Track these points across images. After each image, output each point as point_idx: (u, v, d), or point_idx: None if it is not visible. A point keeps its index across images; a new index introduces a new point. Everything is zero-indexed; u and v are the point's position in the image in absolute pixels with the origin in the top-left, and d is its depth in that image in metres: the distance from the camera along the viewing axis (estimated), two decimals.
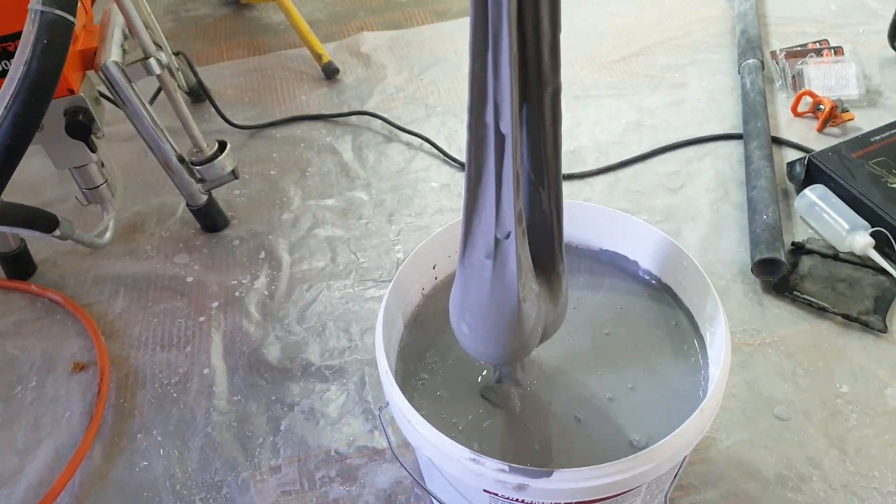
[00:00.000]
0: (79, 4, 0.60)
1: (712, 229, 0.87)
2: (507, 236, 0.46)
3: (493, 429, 0.55)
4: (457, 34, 1.28)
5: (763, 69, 1.07)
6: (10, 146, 0.56)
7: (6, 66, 0.69)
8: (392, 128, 1.07)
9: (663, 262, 0.62)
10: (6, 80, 0.56)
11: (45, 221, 0.75)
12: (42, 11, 0.56)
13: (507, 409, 0.56)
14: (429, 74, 1.19)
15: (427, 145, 1.04)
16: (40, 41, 0.56)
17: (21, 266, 0.89)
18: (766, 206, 0.83)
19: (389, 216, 0.94)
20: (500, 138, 0.43)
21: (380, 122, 1.09)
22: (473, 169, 0.45)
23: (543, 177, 0.48)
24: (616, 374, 0.57)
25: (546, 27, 0.43)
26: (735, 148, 0.98)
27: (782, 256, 0.77)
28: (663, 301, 0.62)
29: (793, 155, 0.96)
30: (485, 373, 0.59)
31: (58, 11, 0.56)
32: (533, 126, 0.46)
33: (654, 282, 0.63)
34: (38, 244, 0.91)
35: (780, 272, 0.77)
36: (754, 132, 0.95)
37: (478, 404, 0.56)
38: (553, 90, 0.45)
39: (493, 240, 0.46)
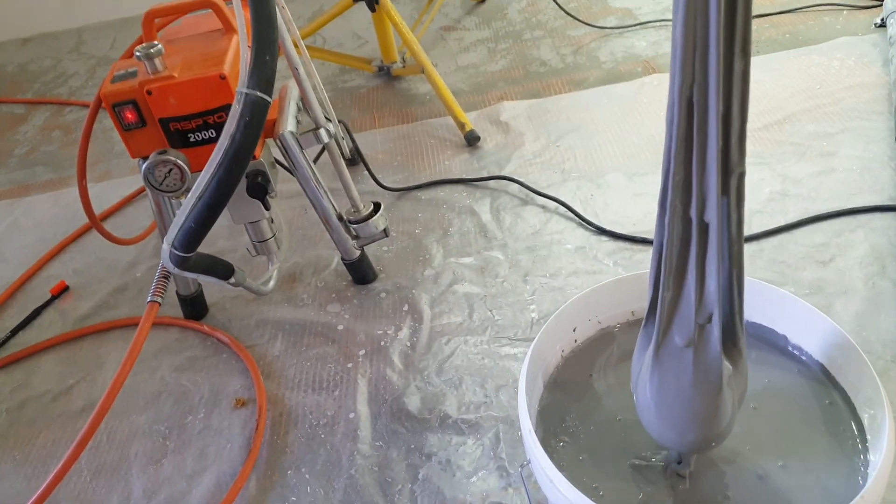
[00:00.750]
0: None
1: (868, 306, 0.83)
2: (710, 320, 0.47)
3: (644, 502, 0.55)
4: (592, 103, 1.32)
5: None
6: (213, 205, 0.66)
7: (207, 135, 0.80)
8: (528, 191, 1.12)
9: (815, 338, 0.61)
10: (215, 149, 0.66)
11: (223, 269, 0.84)
12: (247, 93, 0.65)
13: (664, 486, 0.56)
14: (565, 141, 1.23)
15: (562, 209, 1.07)
16: (244, 118, 0.65)
17: (197, 308, 1.00)
18: None
19: (524, 276, 0.97)
20: (702, 228, 0.46)
21: (517, 185, 1.14)
22: (672, 259, 0.47)
23: (729, 256, 0.50)
24: (765, 451, 0.56)
25: (736, 115, 0.45)
26: (893, 220, 0.94)
27: None
28: (815, 378, 0.60)
29: None
30: (643, 452, 0.58)
31: (258, 93, 0.66)
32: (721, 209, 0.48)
33: (804, 358, 0.62)
34: (210, 288, 1.03)
35: None
36: None
37: (626, 475, 0.57)
38: (739, 174, 0.47)
39: (694, 326, 0.48)
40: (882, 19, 1.34)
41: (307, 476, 0.77)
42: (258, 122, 0.66)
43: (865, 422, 0.54)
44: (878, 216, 0.95)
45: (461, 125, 1.27)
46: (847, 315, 0.82)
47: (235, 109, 0.65)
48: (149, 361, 0.95)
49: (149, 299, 0.77)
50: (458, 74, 1.52)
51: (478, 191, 1.16)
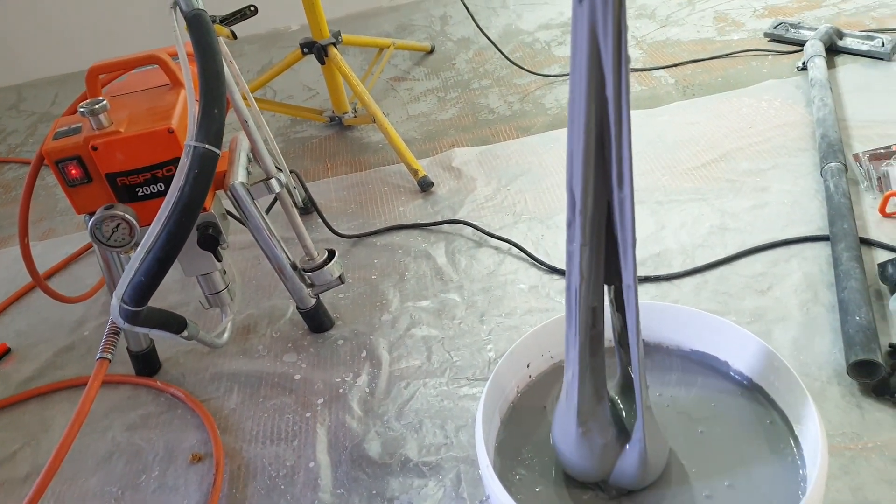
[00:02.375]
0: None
1: (804, 331, 0.87)
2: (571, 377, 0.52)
3: None
4: (541, 147, 1.37)
5: (846, 172, 1.08)
6: (163, 258, 0.66)
7: (156, 188, 0.80)
8: (482, 234, 1.14)
9: (754, 362, 0.63)
10: (164, 202, 0.66)
11: (176, 323, 0.84)
12: (195, 146, 0.66)
13: None
14: (515, 185, 1.26)
15: (515, 249, 1.10)
16: (192, 170, 0.66)
17: (149, 364, 0.99)
18: (858, 307, 0.83)
19: (481, 316, 0.99)
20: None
21: (470, 229, 1.16)
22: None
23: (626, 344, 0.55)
24: (712, 472, 0.58)
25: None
26: (822, 249, 0.99)
27: (880, 358, 0.76)
28: (756, 400, 0.63)
29: (883, 256, 0.95)
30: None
31: (207, 146, 0.67)
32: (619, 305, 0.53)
33: (745, 382, 0.64)
34: (163, 343, 1.01)
35: (879, 374, 0.76)
36: (841, 233, 0.96)
37: (580, 502, 0.58)
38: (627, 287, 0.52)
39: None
40: (803, 63, 1.44)
41: None
42: (207, 174, 0.67)
43: (801, 438, 0.57)
44: (808, 246, 1.00)
45: (414, 172, 1.30)
46: (785, 340, 0.86)
47: (184, 163, 0.66)
48: (99, 421, 0.93)
49: (98, 356, 0.76)
50: (410, 123, 1.56)
51: (433, 235, 1.18)
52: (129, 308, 0.70)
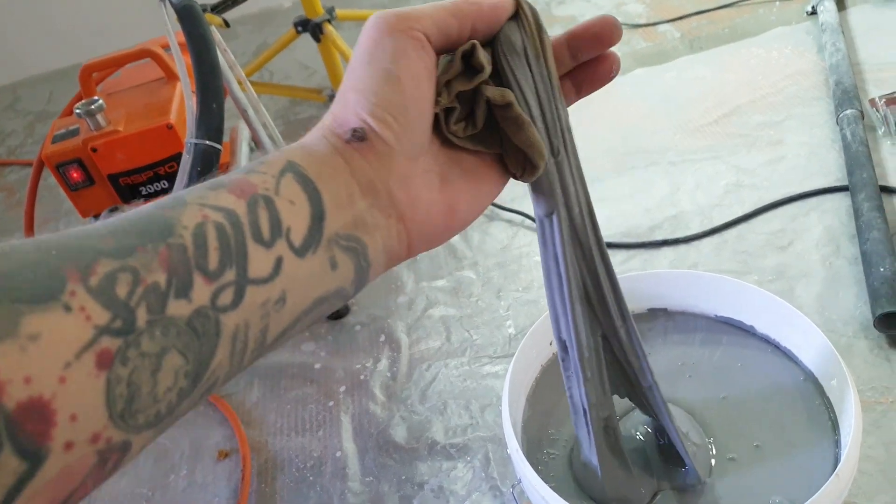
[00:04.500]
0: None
1: (828, 286, 0.85)
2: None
3: None
4: None
5: (863, 118, 1.05)
6: None
7: (160, 186, 0.79)
8: (493, 207, 1.12)
9: (780, 325, 0.62)
10: None
11: None
12: (196, 143, 0.65)
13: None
14: None
15: (528, 221, 1.08)
16: (195, 168, 0.65)
17: None
18: (881, 258, 0.81)
19: (498, 292, 0.97)
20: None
21: None
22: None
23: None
24: (737, 433, 0.57)
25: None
26: (842, 201, 0.97)
27: None
28: (784, 360, 0.62)
29: None
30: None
31: (208, 142, 0.65)
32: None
33: (772, 343, 0.63)
34: None
35: None
36: (860, 183, 0.93)
37: None
38: (648, 388, 0.51)
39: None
40: (813, 7, 1.39)
41: None
42: (210, 170, 0.65)
43: (833, 399, 0.56)
44: (828, 198, 0.98)
45: None
46: (809, 296, 0.84)
47: (186, 160, 0.65)
48: None
49: None
50: None
51: None
52: None
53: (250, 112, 0.88)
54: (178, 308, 0.26)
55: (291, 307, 0.31)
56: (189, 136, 0.66)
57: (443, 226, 0.37)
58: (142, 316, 0.25)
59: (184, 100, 0.81)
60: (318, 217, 0.31)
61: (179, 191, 0.30)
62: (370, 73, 0.34)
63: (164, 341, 0.26)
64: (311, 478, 0.80)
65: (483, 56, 0.36)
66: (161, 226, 0.27)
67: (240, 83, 0.87)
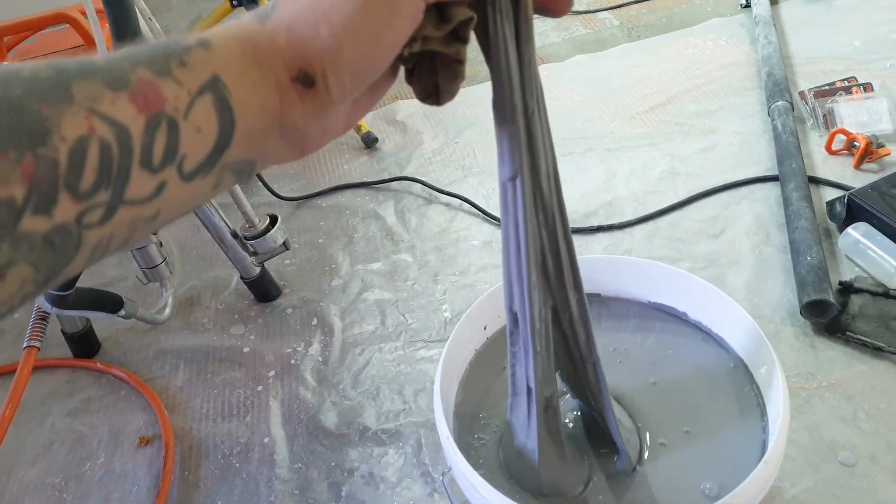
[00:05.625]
0: None
1: (757, 273, 0.87)
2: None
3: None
4: (487, 97, 1.31)
5: (793, 110, 1.08)
6: None
7: None
8: (432, 190, 1.11)
9: (710, 310, 0.63)
10: None
11: (111, 303, 0.79)
12: None
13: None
14: (463, 137, 1.23)
15: (466, 205, 1.07)
16: None
17: (87, 345, 0.93)
18: (808, 246, 0.83)
19: (434, 276, 0.96)
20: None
21: (419, 185, 1.12)
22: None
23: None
24: (667, 419, 0.57)
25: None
26: (772, 190, 0.99)
27: (831, 297, 0.76)
28: (715, 346, 0.62)
29: (831, 194, 0.96)
30: None
31: None
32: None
33: (703, 329, 0.64)
34: (101, 323, 0.96)
35: (830, 313, 0.77)
36: (790, 173, 0.96)
37: None
38: (592, 363, 0.52)
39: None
40: (747, 0, 1.42)
41: None
42: None
43: (761, 384, 0.57)
44: (758, 187, 1.00)
45: (357, 128, 1.24)
46: (739, 283, 0.86)
47: None
48: (36, 409, 0.87)
49: (25, 345, 0.71)
50: None
51: (380, 193, 1.14)
52: (56, 292, 0.65)
53: None
54: (34, 224, 0.23)
55: (161, 221, 0.29)
56: None
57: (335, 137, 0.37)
58: None
59: None
60: (221, 147, 0.29)
61: (83, 59, 0.26)
62: (358, 22, 0.30)
63: (11, 254, 0.23)
64: (237, 464, 0.77)
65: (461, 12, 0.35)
66: (34, 126, 0.23)
67: None
